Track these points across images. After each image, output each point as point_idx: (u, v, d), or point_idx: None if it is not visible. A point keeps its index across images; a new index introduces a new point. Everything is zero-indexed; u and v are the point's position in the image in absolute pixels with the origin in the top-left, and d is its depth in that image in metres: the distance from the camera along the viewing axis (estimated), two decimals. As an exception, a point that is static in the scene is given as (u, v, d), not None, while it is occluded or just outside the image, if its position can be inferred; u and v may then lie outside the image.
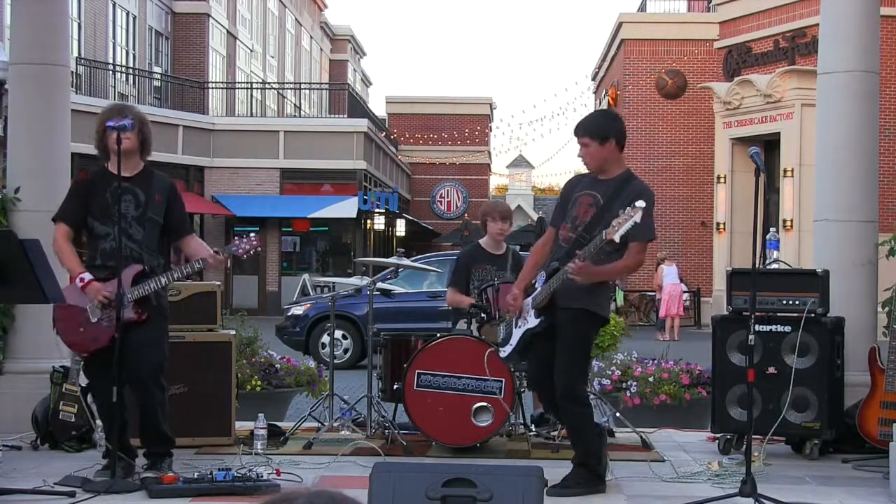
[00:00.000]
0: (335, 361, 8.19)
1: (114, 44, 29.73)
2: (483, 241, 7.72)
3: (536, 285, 5.74)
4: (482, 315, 6.98)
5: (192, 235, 6.08)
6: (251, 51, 38.75)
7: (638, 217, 5.16)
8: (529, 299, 5.77)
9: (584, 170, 5.97)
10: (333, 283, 15.73)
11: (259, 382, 8.10)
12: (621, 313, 22.46)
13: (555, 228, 5.84)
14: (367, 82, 62.04)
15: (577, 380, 5.71)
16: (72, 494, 5.38)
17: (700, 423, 7.77)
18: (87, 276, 5.69)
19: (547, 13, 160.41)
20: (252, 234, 5.90)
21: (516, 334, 5.86)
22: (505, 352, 6.01)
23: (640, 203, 5.22)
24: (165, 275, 5.74)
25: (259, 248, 6.03)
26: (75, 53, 25.77)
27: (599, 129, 5.71)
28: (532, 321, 5.75)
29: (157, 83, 32.09)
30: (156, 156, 6.25)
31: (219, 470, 5.57)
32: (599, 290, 5.71)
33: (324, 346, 14.72)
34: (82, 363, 6.02)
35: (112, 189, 5.70)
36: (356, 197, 30.33)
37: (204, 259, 5.74)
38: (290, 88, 42.18)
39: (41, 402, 6.79)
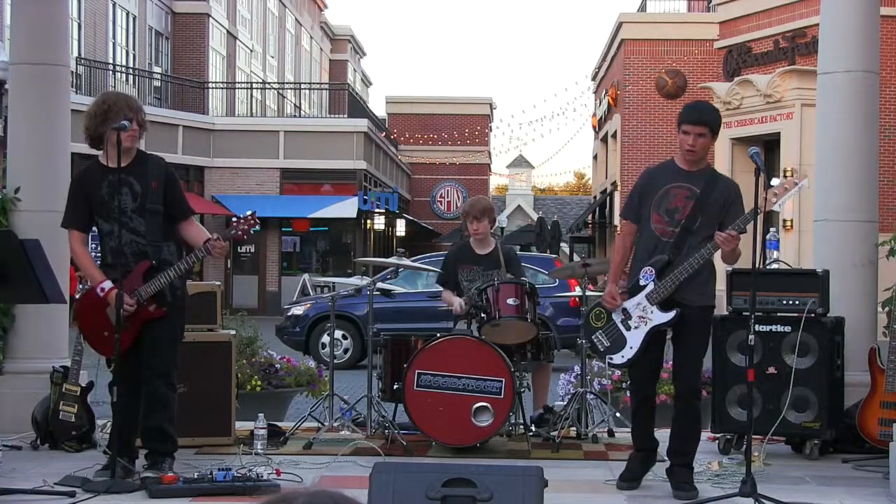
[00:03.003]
0: (335, 361, 8.19)
1: (114, 44, 29.72)
2: (471, 241, 7.69)
3: (643, 282, 5.69)
4: (482, 315, 6.98)
5: (192, 220, 5.93)
6: (251, 51, 38.74)
7: (800, 185, 5.44)
8: (641, 297, 5.69)
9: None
10: (333, 283, 15.70)
11: (259, 382, 8.10)
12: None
13: (632, 222, 5.86)
14: (367, 82, 62.02)
15: (700, 377, 5.86)
16: (72, 494, 5.39)
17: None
18: (108, 284, 5.63)
19: (547, 13, 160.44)
20: (248, 213, 5.68)
21: (636, 335, 5.73)
22: (624, 357, 5.79)
23: (803, 180, 5.51)
24: (174, 268, 5.64)
25: (258, 226, 5.81)
26: (75, 53, 25.75)
27: (717, 123, 5.79)
28: (661, 316, 5.65)
29: (157, 83, 32.08)
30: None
31: (219, 470, 5.57)
32: (713, 283, 5.75)
33: (324, 346, 14.72)
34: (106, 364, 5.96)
35: (108, 183, 5.65)
36: (356, 197, 30.32)
37: (204, 247, 5.59)
38: (290, 88, 42.16)
39: (41, 402, 6.79)
